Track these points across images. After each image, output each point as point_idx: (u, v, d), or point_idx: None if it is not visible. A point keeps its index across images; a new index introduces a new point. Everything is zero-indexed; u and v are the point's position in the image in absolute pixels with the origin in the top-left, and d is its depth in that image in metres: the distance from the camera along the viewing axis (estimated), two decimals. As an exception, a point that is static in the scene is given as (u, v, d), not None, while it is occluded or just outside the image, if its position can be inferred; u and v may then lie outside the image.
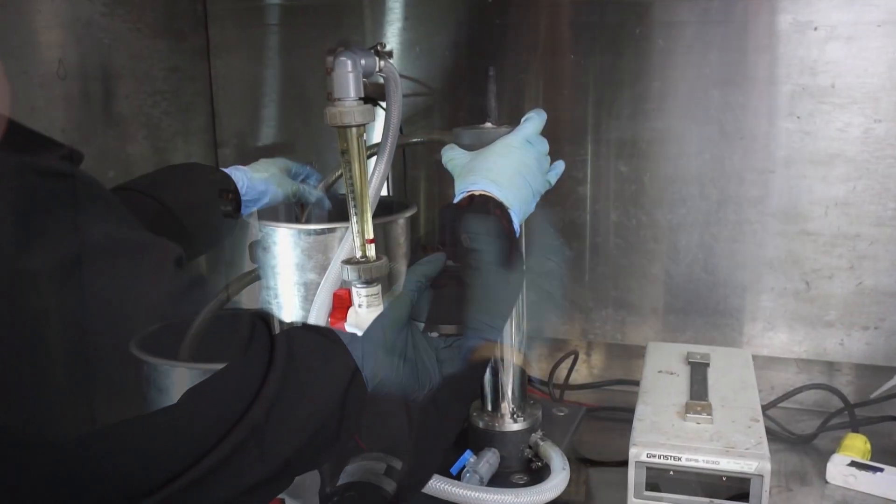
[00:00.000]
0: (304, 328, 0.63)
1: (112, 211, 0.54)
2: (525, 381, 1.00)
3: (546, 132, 1.29)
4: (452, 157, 0.92)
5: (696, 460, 0.86)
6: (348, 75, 0.92)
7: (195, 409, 0.47)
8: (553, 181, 0.93)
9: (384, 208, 1.15)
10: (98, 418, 0.51)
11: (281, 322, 0.93)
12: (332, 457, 0.57)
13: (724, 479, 0.85)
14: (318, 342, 0.60)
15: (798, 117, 1.16)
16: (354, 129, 0.93)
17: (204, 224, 1.04)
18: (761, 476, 0.84)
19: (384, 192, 1.18)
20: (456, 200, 0.85)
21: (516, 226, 0.83)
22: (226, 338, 0.56)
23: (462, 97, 1.34)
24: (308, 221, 1.19)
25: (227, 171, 1.09)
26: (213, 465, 0.47)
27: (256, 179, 1.11)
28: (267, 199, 1.13)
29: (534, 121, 0.92)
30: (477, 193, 0.83)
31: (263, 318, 0.55)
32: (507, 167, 0.86)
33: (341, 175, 1.07)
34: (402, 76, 1.34)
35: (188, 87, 1.41)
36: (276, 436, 0.50)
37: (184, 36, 1.39)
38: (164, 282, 0.54)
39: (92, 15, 1.20)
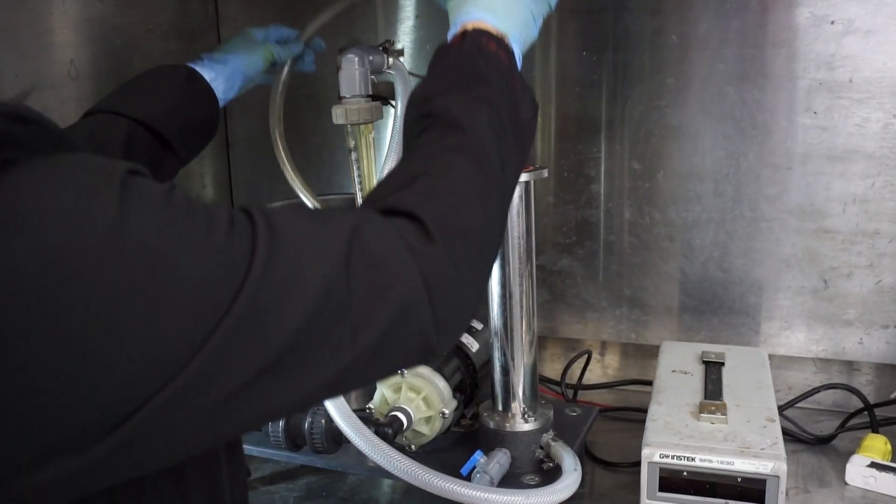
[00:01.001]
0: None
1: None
2: (536, 380, 0.99)
3: (559, 129, 1.29)
4: None
5: (711, 461, 0.84)
6: (356, 72, 0.92)
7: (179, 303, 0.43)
8: (554, 3, 0.82)
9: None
10: None
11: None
12: (347, 336, 0.49)
13: (739, 480, 0.84)
14: (307, 211, 0.57)
15: (815, 113, 1.14)
16: (362, 127, 0.93)
17: (183, 131, 0.96)
18: (777, 477, 0.82)
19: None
20: (449, 37, 0.75)
21: (517, 55, 0.74)
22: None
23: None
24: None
25: (191, 65, 1.00)
26: (212, 355, 0.43)
27: (222, 62, 1.02)
28: (241, 79, 1.03)
29: None
30: (470, 27, 0.72)
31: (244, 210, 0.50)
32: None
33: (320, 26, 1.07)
34: (412, 74, 1.34)
35: (200, 87, 1.41)
36: (275, 313, 0.45)
37: (195, 37, 1.39)
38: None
39: (104, 15, 1.20)
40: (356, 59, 0.92)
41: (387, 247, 0.52)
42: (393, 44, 1.00)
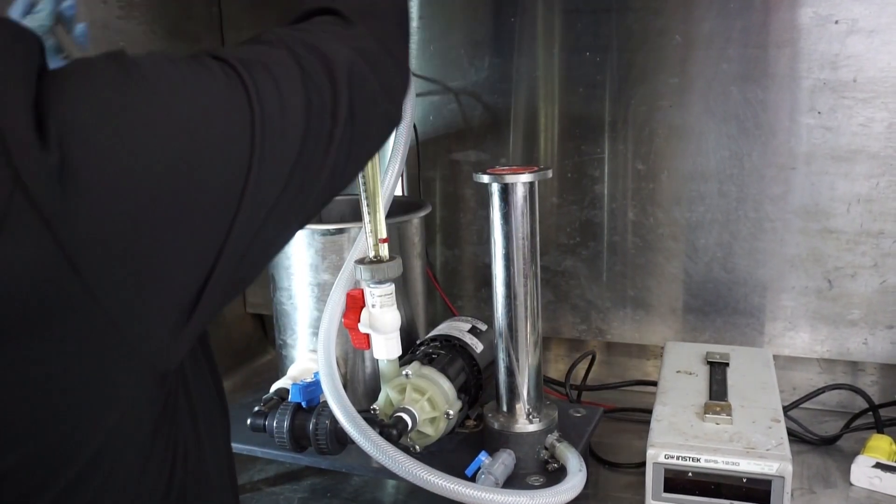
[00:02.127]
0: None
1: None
2: (541, 381, 0.99)
3: (562, 130, 1.29)
4: None
5: (716, 461, 0.84)
6: (360, 73, 0.92)
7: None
8: None
9: (400, 208, 1.15)
10: None
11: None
12: (329, 120, 0.57)
13: (745, 480, 0.84)
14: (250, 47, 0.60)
15: (819, 113, 1.14)
16: (367, 128, 0.93)
17: None
18: (782, 477, 0.82)
19: (398, 192, 1.18)
20: None
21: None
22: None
23: (478, 95, 1.33)
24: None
25: None
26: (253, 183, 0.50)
27: None
28: None
29: None
30: None
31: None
32: None
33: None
34: (416, 75, 1.34)
35: (204, 88, 1.41)
36: (283, 121, 0.53)
37: (199, 38, 1.39)
38: None
39: (107, 18, 1.20)
40: (360, 60, 0.91)
41: (319, 40, 0.60)
42: (396, 45, 0.99)
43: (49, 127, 0.42)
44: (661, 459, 0.85)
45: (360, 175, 0.97)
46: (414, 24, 1.34)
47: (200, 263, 0.49)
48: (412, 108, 1.02)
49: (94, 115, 0.44)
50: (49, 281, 0.42)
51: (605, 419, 1.18)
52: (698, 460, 0.84)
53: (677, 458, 0.85)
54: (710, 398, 0.95)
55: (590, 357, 1.29)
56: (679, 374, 1.03)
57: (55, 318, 0.43)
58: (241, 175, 0.50)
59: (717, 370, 1.03)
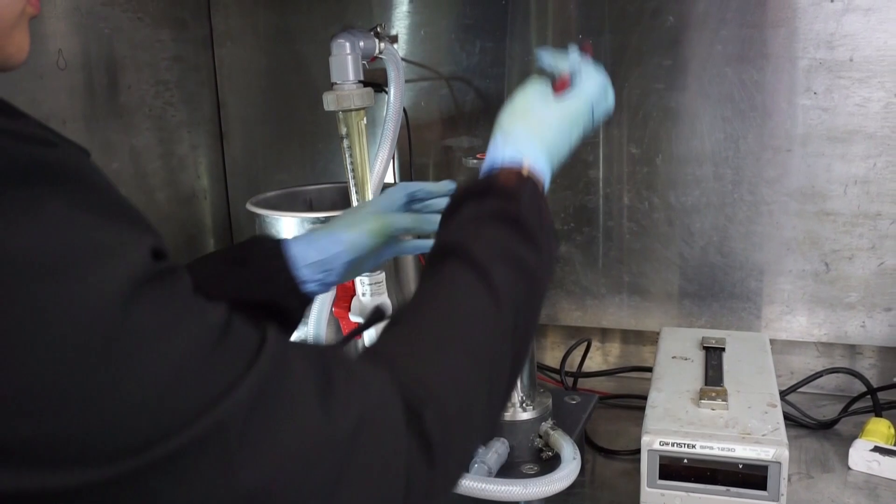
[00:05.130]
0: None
1: (97, 196, 0.41)
2: (534, 368, 0.98)
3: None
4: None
5: (711, 448, 0.83)
6: (346, 58, 0.90)
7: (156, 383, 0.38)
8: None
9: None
10: None
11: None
12: None
13: (741, 466, 0.83)
14: (322, 371, 0.48)
15: (815, 93, 1.13)
16: (354, 113, 0.92)
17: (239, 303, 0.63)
18: (779, 463, 0.81)
19: (389, 179, 1.16)
20: (496, 155, 0.67)
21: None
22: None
23: (469, 80, 1.31)
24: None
25: (288, 242, 0.78)
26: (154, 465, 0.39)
27: (315, 240, 0.79)
28: (341, 261, 0.78)
29: (597, 81, 0.75)
30: (526, 167, 0.65)
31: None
32: (570, 142, 0.71)
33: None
34: (407, 61, 1.32)
35: (192, 76, 1.40)
36: (245, 459, 0.41)
37: (186, 25, 1.38)
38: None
39: (92, 4, 1.18)
40: (347, 44, 0.90)
41: (386, 458, 0.48)
42: (385, 28, 0.98)
43: None
44: (656, 446, 0.84)
45: (348, 161, 0.96)
46: (404, 8, 1.32)
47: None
48: (401, 92, 1.01)
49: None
50: None
51: (601, 406, 1.17)
52: (693, 447, 0.83)
53: (672, 444, 0.84)
54: (706, 384, 0.94)
55: (585, 344, 1.28)
56: (675, 360, 1.02)
57: None
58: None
59: (713, 355, 1.02)
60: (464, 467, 0.59)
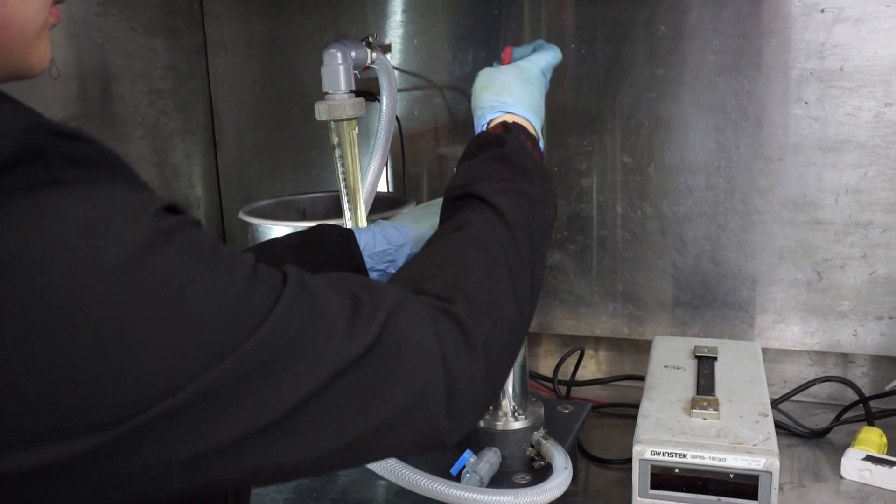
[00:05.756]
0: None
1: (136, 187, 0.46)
2: (526, 377, 0.98)
3: (549, 123, 1.27)
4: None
5: (703, 457, 0.83)
6: (338, 68, 0.90)
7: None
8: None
9: (384, 204, 1.13)
10: None
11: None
12: (357, 412, 0.49)
13: (732, 476, 0.83)
14: (346, 282, 0.53)
15: (806, 103, 1.13)
16: (346, 123, 0.92)
17: None
18: (770, 473, 0.81)
19: (382, 188, 1.17)
20: (483, 122, 0.77)
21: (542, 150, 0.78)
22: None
23: (463, 89, 1.31)
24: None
25: (358, 229, 0.87)
26: (205, 392, 0.43)
27: (384, 230, 0.86)
28: (405, 253, 0.86)
29: (551, 54, 0.86)
30: (510, 120, 0.75)
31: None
32: (536, 95, 0.80)
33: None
34: (401, 70, 1.32)
35: (186, 85, 1.40)
36: (287, 372, 0.46)
37: (180, 34, 1.38)
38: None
39: (85, 14, 1.19)
40: (338, 54, 0.90)
41: (418, 346, 0.52)
42: (377, 38, 0.98)
43: None
44: (648, 456, 0.84)
45: (340, 171, 0.96)
46: (397, 17, 1.32)
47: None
48: (393, 101, 1.01)
49: (31, 255, 0.39)
50: None
51: (595, 414, 1.17)
52: (685, 456, 0.83)
53: (663, 454, 0.84)
54: (698, 393, 0.94)
55: (578, 352, 1.28)
56: (666, 369, 1.02)
57: None
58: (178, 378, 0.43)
59: (705, 364, 1.02)
60: (506, 370, 0.62)
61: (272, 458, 0.46)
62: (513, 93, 0.78)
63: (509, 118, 0.76)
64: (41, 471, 0.41)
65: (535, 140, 0.76)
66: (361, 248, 0.84)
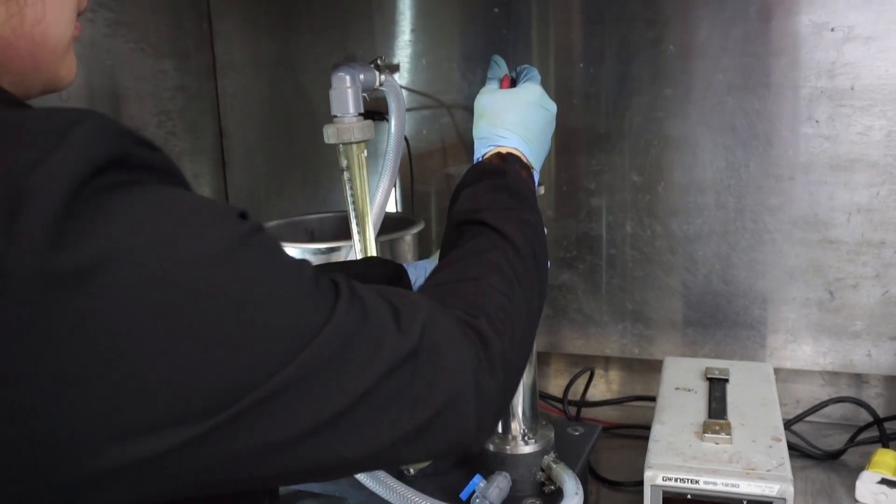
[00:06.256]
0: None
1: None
2: (536, 400, 0.97)
3: (558, 142, 1.27)
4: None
5: (715, 483, 0.82)
6: (347, 91, 0.90)
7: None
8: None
9: (392, 224, 1.13)
10: None
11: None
12: (406, 410, 0.52)
13: (745, 502, 0.81)
14: (385, 291, 0.56)
15: (817, 121, 1.13)
16: (354, 146, 0.92)
17: None
18: (784, 500, 0.80)
19: (391, 208, 1.16)
20: (480, 153, 0.82)
21: (538, 190, 0.82)
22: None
23: (471, 109, 1.31)
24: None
25: (407, 266, 0.91)
26: (285, 384, 0.45)
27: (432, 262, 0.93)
28: None
29: (537, 79, 0.88)
30: (505, 151, 0.80)
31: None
32: (535, 124, 0.82)
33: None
34: (409, 90, 1.32)
35: (195, 105, 1.40)
36: (348, 366, 0.49)
37: (189, 54, 1.38)
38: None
39: (94, 37, 1.19)
40: (347, 77, 0.90)
41: (453, 354, 0.56)
42: (385, 60, 0.98)
43: (79, 239, 0.40)
44: (659, 482, 0.83)
45: (349, 193, 0.95)
46: (406, 37, 1.33)
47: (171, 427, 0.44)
48: (401, 123, 1.00)
49: (138, 249, 0.41)
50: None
51: (605, 436, 1.16)
52: (697, 482, 0.82)
53: (675, 479, 0.83)
54: (709, 416, 0.93)
55: (588, 373, 1.27)
56: (678, 391, 1.01)
57: None
58: (264, 371, 0.45)
59: (717, 387, 1.01)
60: (517, 383, 0.67)
61: (336, 451, 0.49)
62: (505, 124, 0.81)
63: (503, 150, 0.80)
64: (135, 465, 0.42)
65: (529, 170, 0.80)
66: (413, 282, 0.89)
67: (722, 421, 0.91)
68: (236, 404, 0.44)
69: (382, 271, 0.88)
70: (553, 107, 0.85)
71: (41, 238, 0.38)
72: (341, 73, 0.91)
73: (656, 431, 0.91)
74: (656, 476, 0.83)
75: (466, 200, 0.75)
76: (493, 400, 0.59)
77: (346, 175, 0.93)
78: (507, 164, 0.78)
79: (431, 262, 0.91)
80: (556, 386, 1.35)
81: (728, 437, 0.88)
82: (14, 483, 0.41)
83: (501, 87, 0.87)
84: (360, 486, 0.91)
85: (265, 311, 0.45)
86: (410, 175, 1.32)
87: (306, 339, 0.46)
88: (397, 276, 0.88)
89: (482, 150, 0.82)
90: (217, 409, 0.43)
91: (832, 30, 1.09)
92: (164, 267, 0.42)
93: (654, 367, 1.30)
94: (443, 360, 0.54)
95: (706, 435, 0.88)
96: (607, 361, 1.34)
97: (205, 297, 0.43)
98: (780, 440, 0.88)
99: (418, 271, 0.90)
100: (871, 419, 1.11)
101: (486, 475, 0.91)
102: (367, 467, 0.64)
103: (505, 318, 0.62)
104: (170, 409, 0.43)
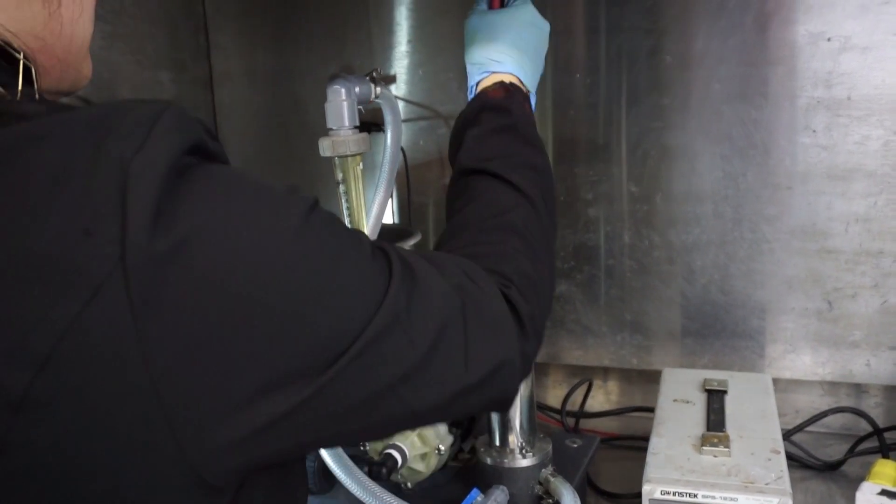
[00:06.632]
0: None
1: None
2: (534, 413, 0.97)
3: (555, 153, 1.27)
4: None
5: (713, 497, 0.81)
6: (342, 104, 0.90)
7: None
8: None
9: (389, 236, 1.12)
10: None
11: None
12: (461, 365, 0.55)
13: (744, 515, 0.81)
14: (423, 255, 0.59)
15: (814, 131, 1.12)
16: (350, 159, 0.91)
17: None
18: (783, 513, 0.79)
19: (388, 219, 1.16)
20: (474, 80, 0.79)
21: (533, 107, 0.80)
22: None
23: (468, 119, 1.31)
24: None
25: None
26: (365, 346, 0.48)
27: None
28: None
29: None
30: (507, 80, 0.77)
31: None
32: (529, 44, 0.80)
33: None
34: (406, 101, 1.32)
35: (192, 117, 1.40)
36: (416, 321, 0.52)
37: (186, 66, 1.38)
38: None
39: (91, 49, 1.19)
40: (342, 90, 0.90)
41: (499, 313, 0.59)
42: (382, 72, 0.98)
43: (175, 216, 0.43)
44: (658, 496, 0.83)
45: (344, 206, 0.95)
46: (402, 48, 1.32)
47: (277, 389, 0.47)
48: (397, 135, 1.00)
49: (227, 223, 0.45)
50: (118, 365, 0.42)
51: (604, 447, 1.16)
52: (695, 496, 0.82)
53: (674, 493, 0.82)
54: (708, 429, 0.93)
55: (587, 384, 1.27)
56: (676, 403, 1.01)
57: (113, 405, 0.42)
58: (344, 339, 0.49)
59: (715, 398, 1.00)
60: (540, 339, 0.68)
61: (408, 405, 0.52)
62: (499, 46, 0.78)
63: (500, 76, 0.77)
64: (253, 433, 0.45)
65: (527, 98, 0.77)
66: None
67: (720, 433, 0.90)
68: (332, 366, 0.47)
69: None
70: (546, 25, 0.82)
71: (146, 223, 0.41)
72: (337, 86, 0.90)
73: (654, 444, 0.91)
74: (654, 490, 0.83)
75: (472, 145, 0.74)
76: (529, 362, 0.63)
77: (341, 188, 0.93)
78: (511, 100, 0.76)
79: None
80: (554, 397, 1.34)
81: (727, 449, 0.87)
82: (142, 465, 0.44)
83: (491, 7, 0.82)
84: (357, 501, 0.91)
85: (340, 278, 0.49)
86: (407, 186, 1.32)
87: (378, 301, 0.50)
88: None
89: (476, 77, 0.79)
90: (322, 368, 0.47)
91: (829, 40, 1.09)
92: (248, 238, 0.45)
93: (652, 378, 1.30)
94: (490, 319, 0.57)
95: (704, 448, 0.88)
96: (606, 372, 1.33)
97: (287, 266, 0.46)
98: (778, 453, 0.88)
99: None
100: (871, 429, 1.11)
101: (484, 489, 0.91)
102: (430, 420, 0.67)
103: (529, 283, 0.64)
104: (278, 371, 0.46)
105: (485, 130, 0.74)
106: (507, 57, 0.77)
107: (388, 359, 0.50)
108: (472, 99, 0.78)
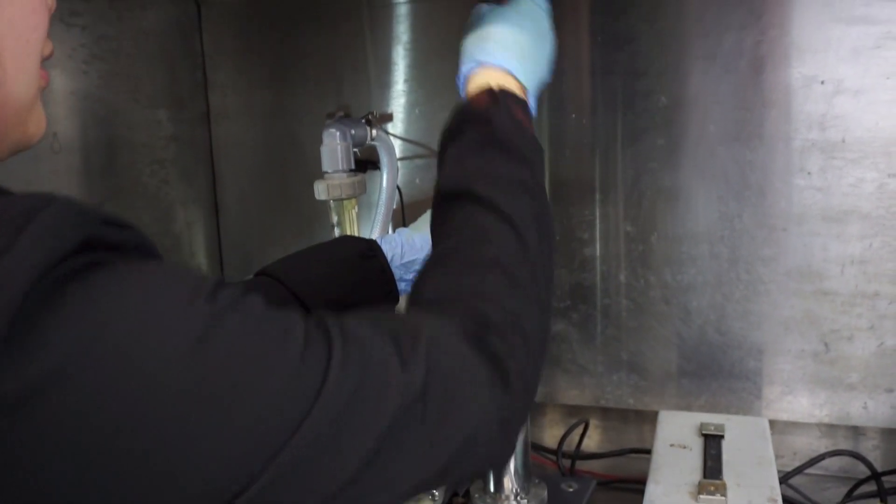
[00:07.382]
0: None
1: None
2: (528, 457, 0.96)
3: (550, 193, 1.27)
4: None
5: (711, 547, 0.80)
6: (337, 147, 0.90)
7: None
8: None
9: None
10: None
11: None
12: (420, 456, 0.49)
13: (741, 566, 0.80)
14: (381, 321, 0.52)
15: (809, 173, 1.13)
16: (345, 202, 0.91)
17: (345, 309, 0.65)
18: (780, 564, 0.78)
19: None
20: (464, 73, 0.71)
21: (533, 110, 0.71)
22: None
23: (464, 158, 1.31)
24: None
25: (380, 238, 0.86)
26: (282, 468, 0.43)
27: (408, 237, 0.86)
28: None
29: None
30: (495, 85, 0.67)
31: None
32: (527, 35, 0.72)
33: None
34: (402, 139, 1.33)
35: (188, 154, 1.41)
36: (348, 431, 0.45)
37: (183, 104, 1.39)
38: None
39: (88, 88, 1.20)
40: (337, 133, 0.90)
41: (464, 382, 0.52)
42: (378, 113, 0.98)
43: (33, 346, 0.36)
44: (654, 545, 0.82)
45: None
46: (399, 87, 1.33)
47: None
48: (393, 175, 1.01)
49: (103, 346, 0.38)
50: None
51: (600, 489, 1.14)
52: (692, 546, 0.81)
53: (670, 543, 0.81)
54: (705, 476, 0.92)
55: (583, 425, 1.26)
56: (672, 448, 1.00)
57: None
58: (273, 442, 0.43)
59: (712, 444, 0.99)
60: (533, 390, 0.60)
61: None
62: (493, 35, 0.70)
63: (491, 73, 0.69)
64: None
65: (523, 102, 0.69)
66: (389, 259, 0.82)
67: (717, 481, 0.89)
68: (242, 495, 0.41)
69: (355, 248, 0.82)
70: (550, 31, 0.75)
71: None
72: (332, 130, 0.91)
73: (650, 492, 0.90)
74: (651, 539, 0.82)
75: (451, 164, 0.66)
76: (515, 417, 0.55)
77: (337, 231, 0.93)
78: (494, 106, 0.66)
79: (401, 234, 0.85)
80: (550, 437, 1.33)
81: (723, 498, 0.86)
82: None
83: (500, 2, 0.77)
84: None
85: (252, 395, 0.42)
86: (403, 224, 1.32)
87: (303, 412, 0.43)
88: (370, 252, 0.81)
89: (464, 69, 0.72)
90: None
91: (822, 83, 1.10)
92: (128, 366, 0.38)
93: (649, 419, 1.29)
94: (455, 393, 0.50)
95: (701, 496, 0.87)
96: (602, 412, 1.32)
97: (179, 393, 0.40)
98: (776, 501, 0.87)
99: (393, 246, 0.83)
100: (868, 472, 1.10)
101: (478, 536, 0.90)
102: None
103: (513, 322, 0.56)
104: None
105: (464, 147, 0.65)
106: (499, 47, 0.70)
107: (321, 473, 0.44)
108: (454, 109, 0.71)
